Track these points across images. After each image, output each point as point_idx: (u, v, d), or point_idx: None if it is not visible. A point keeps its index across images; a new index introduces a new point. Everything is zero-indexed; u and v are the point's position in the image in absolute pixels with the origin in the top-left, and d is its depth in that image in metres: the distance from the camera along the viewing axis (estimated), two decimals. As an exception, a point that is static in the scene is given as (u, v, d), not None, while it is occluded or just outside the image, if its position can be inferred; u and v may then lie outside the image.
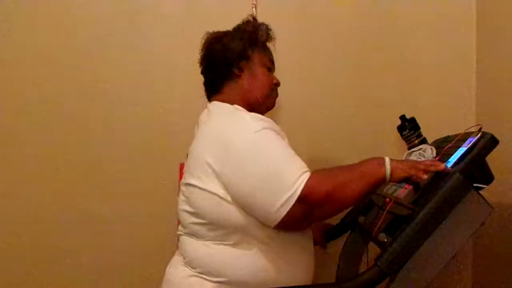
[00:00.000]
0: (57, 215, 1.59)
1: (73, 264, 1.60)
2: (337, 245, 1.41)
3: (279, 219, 0.97)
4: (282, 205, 0.96)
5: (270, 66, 1.25)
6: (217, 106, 1.16)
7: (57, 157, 1.60)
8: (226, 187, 1.02)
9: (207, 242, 1.07)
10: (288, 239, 1.08)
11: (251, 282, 1.05)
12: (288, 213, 0.96)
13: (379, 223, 1.05)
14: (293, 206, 0.96)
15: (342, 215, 1.41)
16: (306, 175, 0.97)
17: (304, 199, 0.96)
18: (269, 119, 1.09)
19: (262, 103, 1.20)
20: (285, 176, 0.97)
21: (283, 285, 1.04)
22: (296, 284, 1.07)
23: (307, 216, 1.01)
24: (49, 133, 1.60)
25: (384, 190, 1.19)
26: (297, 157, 1.02)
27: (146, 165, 1.61)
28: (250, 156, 1.00)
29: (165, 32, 1.62)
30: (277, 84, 1.26)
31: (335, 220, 1.43)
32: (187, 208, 1.10)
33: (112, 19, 1.61)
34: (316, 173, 1.00)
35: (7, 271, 1.58)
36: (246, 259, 1.05)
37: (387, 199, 1.10)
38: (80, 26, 1.61)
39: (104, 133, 1.61)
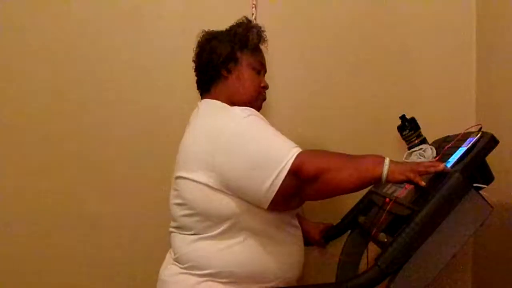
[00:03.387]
0: (57, 215, 1.59)
1: (73, 263, 1.60)
2: (337, 245, 1.41)
3: (272, 196, 0.99)
4: (274, 180, 0.97)
5: (259, 69, 1.26)
6: (206, 103, 1.20)
7: (56, 157, 1.60)
8: (218, 175, 1.03)
9: (195, 236, 1.08)
10: (277, 228, 1.10)
11: (237, 272, 1.06)
12: (280, 188, 0.98)
13: (379, 223, 1.05)
14: (285, 180, 0.97)
15: (342, 215, 1.41)
16: (297, 150, 1.00)
17: (295, 171, 0.97)
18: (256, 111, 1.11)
19: (247, 106, 1.20)
20: (275, 152, 1.00)
21: (271, 276, 1.07)
22: (284, 275, 1.09)
23: (297, 192, 1.02)
24: (49, 133, 1.60)
25: (384, 190, 1.19)
26: (286, 138, 1.04)
27: (146, 165, 1.60)
28: (240, 140, 1.03)
29: (165, 32, 1.62)
30: (265, 87, 1.27)
31: (335, 220, 1.43)
32: (178, 200, 1.12)
33: (112, 18, 1.61)
34: (310, 150, 1.02)
35: (6, 271, 1.58)
36: (233, 249, 1.06)
37: (387, 199, 1.11)
38: (80, 26, 1.61)
39: (104, 132, 1.61)
